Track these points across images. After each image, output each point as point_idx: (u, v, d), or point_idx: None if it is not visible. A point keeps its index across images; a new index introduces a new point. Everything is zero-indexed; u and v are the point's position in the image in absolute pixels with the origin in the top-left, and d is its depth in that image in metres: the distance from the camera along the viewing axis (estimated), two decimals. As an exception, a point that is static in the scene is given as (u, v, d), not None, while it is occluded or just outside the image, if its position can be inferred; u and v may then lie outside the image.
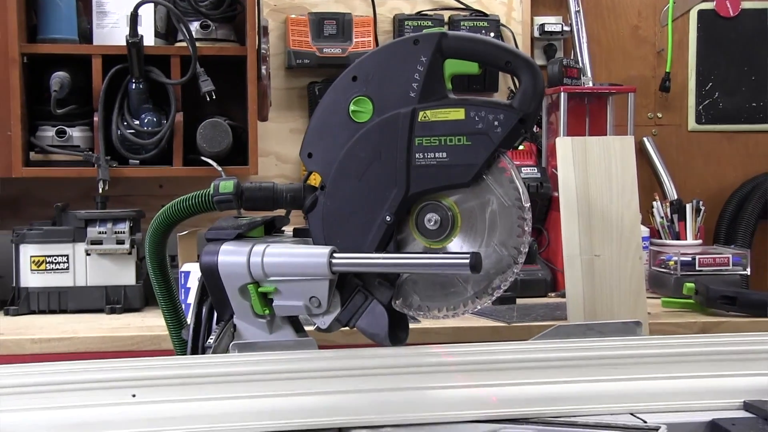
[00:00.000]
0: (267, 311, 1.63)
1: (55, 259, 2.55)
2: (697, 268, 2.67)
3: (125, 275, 2.58)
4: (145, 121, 2.76)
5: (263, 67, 2.84)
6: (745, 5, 3.34)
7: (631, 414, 1.49)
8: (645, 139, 3.27)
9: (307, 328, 1.71)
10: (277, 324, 1.66)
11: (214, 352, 1.64)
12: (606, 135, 2.92)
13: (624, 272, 2.03)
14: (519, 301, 2.57)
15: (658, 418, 1.46)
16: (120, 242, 2.54)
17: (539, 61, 3.17)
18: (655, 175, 3.23)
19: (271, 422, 1.42)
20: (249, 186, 1.74)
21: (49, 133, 2.75)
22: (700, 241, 2.93)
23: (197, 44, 2.71)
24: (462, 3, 3.21)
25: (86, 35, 2.82)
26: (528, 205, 1.59)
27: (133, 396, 1.45)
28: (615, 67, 3.30)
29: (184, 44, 2.73)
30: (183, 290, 2.36)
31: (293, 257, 1.61)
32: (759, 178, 3.29)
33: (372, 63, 1.64)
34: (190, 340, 1.73)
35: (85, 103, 2.76)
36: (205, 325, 1.71)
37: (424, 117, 1.59)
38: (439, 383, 1.51)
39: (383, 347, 1.64)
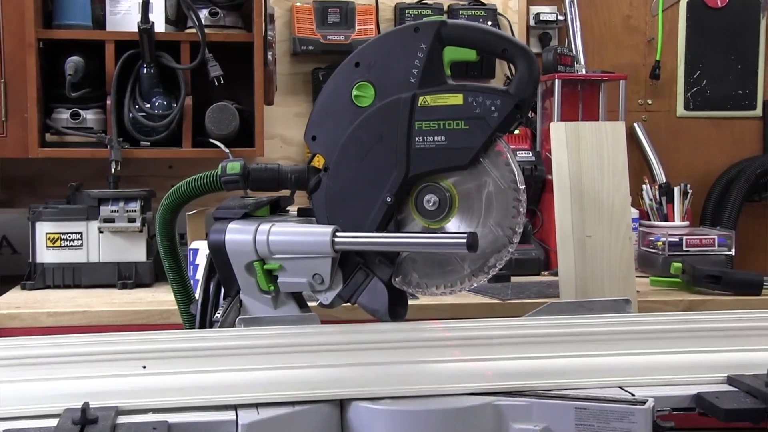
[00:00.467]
0: (272, 287, 1.63)
1: (70, 237, 2.55)
2: (684, 249, 2.67)
3: (136, 252, 2.58)
4: (156, 104, 2.75)
5: (269, 53, 2.83)
6: (733, -4, 3.34)
7: (620, 387, 1.49)
8: (635, 124, 3.26)
9: (310, 303, 1.71)
10: (281, 300, 1.66)
11: (221, 327, 1.64)
12: (598, 120, 2.91)
13: (614, 252, 2.03)
14: (513, 279, 2.58)
15: (645, 391, 1.46)
16: (131, 220, 2.54)
17: (534, 49, 3.16)
18: (644, 159, 3.23)
19: (275, 393, 1.42)
20: (255, 167, 1.73)
21: (63, 115, 2.74)
22: (687, 223, 2.93)
23: (206, 31, 2.70)
24: (461, -8, 3.20)
25: (100, 21, 2.81)
26: (523, 187, 1.59)
27: (144, 367, 1.45)
28: (607, 55, 3.29)
29: (193, 31, 2.73)
30: (191, 267, 2.36)
31: (297, 236, 1.61)
32: (744, 163, 3.29)
33: (374, 50, 1.64)
34: (198, 314, 1.73)
35: (99, 86, 2.76)
36: (213, 301, 1.71)
37: (424, 102, 1.58)
38: (437, 357, 1.51)
39: (383, 323, 1.65)
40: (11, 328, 2.18)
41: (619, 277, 2.03)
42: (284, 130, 3.13)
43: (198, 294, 1.77)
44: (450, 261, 1.63)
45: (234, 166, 1.72)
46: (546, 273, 2.77)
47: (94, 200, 2.56)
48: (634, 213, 2.79)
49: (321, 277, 1.60)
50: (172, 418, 1.36)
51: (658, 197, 2.95)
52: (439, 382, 1.47)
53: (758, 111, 3.35)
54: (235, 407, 1.40)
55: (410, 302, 1.73)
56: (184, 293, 1.89)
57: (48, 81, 2.76)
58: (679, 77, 3.34)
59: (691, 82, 3.34)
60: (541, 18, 3.24)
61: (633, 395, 1.45)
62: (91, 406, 1.31)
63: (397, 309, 1.67)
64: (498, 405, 1.43)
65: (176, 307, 1.91)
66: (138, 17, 2.66)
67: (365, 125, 1.62)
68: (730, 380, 1.52)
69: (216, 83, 2.72)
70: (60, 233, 2.55)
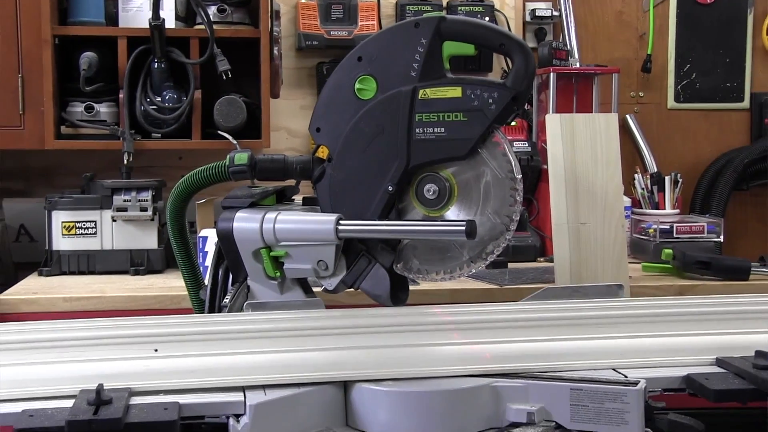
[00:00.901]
0: (278, 274, 1.63)
1: (84, 225, 2.55)
2: (674, 236, 2.67)
3: (148, 240, 2.58)
4: (167, 97, 2.75)
5: (275, 48, 2.83)
6: (721, -7, 3.33)
7: (613, 369, 1.49)
8: (628, 116, 3.26)
9: (315, 289, 1.71)
10: (287, 285, 1.66)
11: (229, 311, 1.64)
12: (592, 112, 2.90)
13: (607, 239, 2.03)
14: (510, 265, 2.57)
15: (638, 372, 1.46)
16: (143, 209, 2.54)
17: (530, 43, 3.14)
18: (636, 150, 3.22)
19: (281, 375, 1.42)
20: (262, 158, 1.73)
21: (78, 108, 2.74)
22: (677, 211, 2.92)
23: (214, 27, 2.69)
24: (459, -11, 3.19)
25: (112, 18, 2.80)
26: (519, 176, 1.59)
27: (156, 350, 1.46)
28: (600, 49, 3.28)
29: (202, 27, 2.72)
30: (201, 254, 2.36)
31: (302, 224, 1.60)
32: (732, 153, 3.28)
33: (376, 44, 1.63)
34: (207, 299, 1.73)
35: (112, 81, 2.75)
36: (222, 286, 1.71)
37: (424, 95, 1.58)
38: (437, 340, 1.51)
39: (385, 307, 1.65)
40: (29, 313, 2.19)
41: (612, 263, 2.03)
42: (290, 123, 3.13)
43: (207, 280, 1.76)
44: (449, 248, 1.62)
45: (241, 157, 1.72)
46: (542, 259, 2.77)
47: (107, 190, 2.56)
48: (627, 201, 2.78)
49: (325, 263, 1.60)
50: (183, 399, 1.36)
51: (649, 186, 2.95)
52: (439, 365, 1.47)
53: (746, 103, 3.35)
54: (243, 388, 1.40)
55: (411, 288, 1.73)
56: (194, 279, 1.89)
57: (63, 76, 2.76)
58: (670, 71, 3.33)
59: (681, 75, 3.33)
60: (536, 14, 3.22)
61: (626, 377, 1.45)
62: (105, 388, 1.31)
63: (398, 294, 1.67)
64: (496, 386, 1.43)
65: (186, 293, 1.91)
66: (149, 14, 2.66)
67: (367, 117, 1.61)
68: (719, 362, 1.52)
69: (224, 77, 2.71)
70: (75, 222, 2.55)
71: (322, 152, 1.66)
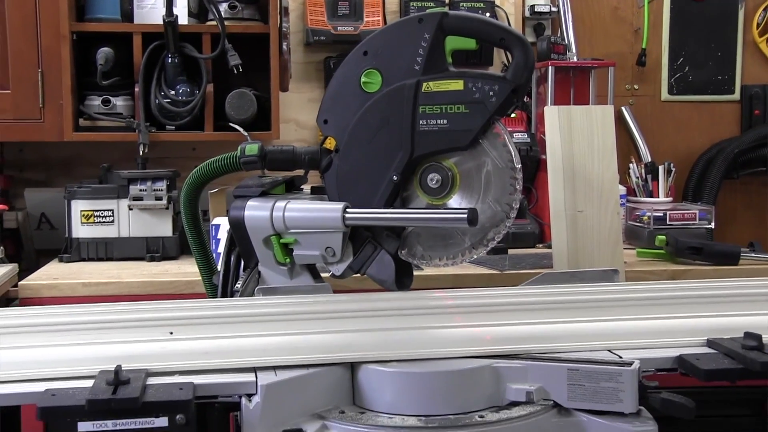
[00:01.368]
0: (288, 260, 1.63)
1: (102, 213, 2.56)
2: (667, 223, 2.67)
3: (163, 227, 2.58)
4: (180, 91, 2.75)
5: (284, 44, 2.83)
6: (714, -11, 3.32)
7: (609, 350, 1.49)
8: (623, 108, 3.25)
9: (323, 274, 1.71)
10: (296, 271, 1.66)
11: (241, 296, 1.65)
12: (588, 104, 2.90)
13: (603, 226, 2.03)
14: (510, 251, 2.57)
15: (632, 353, 1.46)
16: (158, 198, 2.55)
17: (529, 38, 3.14)
18: (631, 140, 3.21)
19: (292, 357, 1.43)
20: (272, 149, 1.73)
21: (95, 102, 2.74)
22: (670, 199, 2.92)
23: (226, 23, 2.69)
24: (461, -14, 3.18)
25: (128, 15, 2.80)
26: (519, 166, 1.59)
27: (171, 333, 1.46)
28: (597, 43, 3.27)
29: (214, 23, 2.71)
30: (214, 241, 2.36)
31: (311, 212, 1.61)
32: (723, 143, 3.27)
33: (381, 39, 1.63)
34: (220, 284, 1.73)
35: (127, 75, 2.75)
36: (234, 272, 1.72)
37: (427, 88, 1.58)
38: (440, 323, 1.51)
39: (390, 292, 1.65)
40: (50, 297, 2.19)
41: (608, 249, 2.02)
42: (298, 115, 3.13)
43: (220, 266, 1.77)
44: (452, 235, 1.63)
45: (252, 148, 1.72)
46: (540, 245, 2.77)
47: (124, 180, 2.56)
48: (622, 190, 2.77)
49: (333, 250, 1.60)
50: (197, 379, 1.36)
51: (643, 175, 2.95)
52: (442, 346, 1.47)
53: (736, 95, 3.34)
54: (254, 369, 1.40)
55: (415, 273, 1.73)
56: (207, 265, 1.89)
57: (81, 70, 2.76)
58: (664, 64, 3.32)
59: (674, 68, 3.32)
60: (535, 9, 3.21)
61: (620, 357, 1.45)
62: (123, 369, 1.32)
63: (403, 279, 1.67)
64: (496, 367, 1.43)
65: (200, 278, 1.91)
66: (163, 11, 2.65)
67: (373, 110, 1.61)
68: (710, 343, 1.52)
69: (235, 71, 2.71)
70: (93, 210, 2.56)
71: (330, 143, 1.66)
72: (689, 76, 3.33)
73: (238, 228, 1.64)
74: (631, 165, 2.97)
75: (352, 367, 1.44)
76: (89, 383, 1.32)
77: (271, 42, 2.76)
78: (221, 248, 1.92)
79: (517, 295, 1.60)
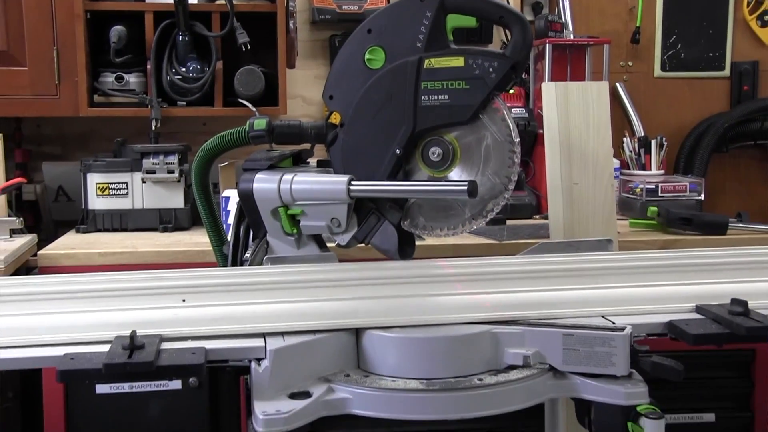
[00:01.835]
0: (295, 230, 1.63)
1: (117, 186, 2.56)
2: (659, 194, 2.66)
3: (175, 199, 2.58)
4: (191, 68, 2.74)
5: (291, 22, 2.81)
6: (706, -32, 3.29)
7: (602, 316, 1.49)
8: (617, 84, 3.23)
9: (329, 244, 1.71)
10: (303, 241, 1.66)
11: (250, 265, 1.65)
12: (584, 81, 2.88)
13: (598, 198, 2.02)
14: (509, 222, 2.57)
15: (624, 319, 1.47)
16: (170, 172, 2.54)
17: (528, 16, 3.11)
18: (625, 115, 3.20)
19: (299, 323, 1.43)
20: (279, 124, 1.73)
21: (109, 78, 2.73)
22: (662, 171, 2.91)
23: (234, 2, 2.67)
24: (461, -34, 3.15)
25: (140, -6, 2.79)
26: (517, 140, 1.58)
27: (184, 300, 1.46)
28: (592, 22, 3.24)
29: (223, 2, 2.70)
30: (224, 212, 2.37)
31: (317, 184, 1.60)
32: (713, 118, 3.26)
33: (384, 17, 1.62)
34: (230, 254, 1.74)
35: (140, 53, 2.74)
36: (243, 242, 1.72)
37: (429, 64, 1.57)
38: (441, 291, 1.52)
39: (393, 261, 1.65)
40: (68, 266, 2.20)
41: (602, 219, 2.02)
42: (305, 91, 3.12)
43: (230, 236, 1.77)
44: (452, 206, 1.62)
45: (260, 123, 1.71)
46: (537, 216, 2.76)
47: (137, 154, 2.56)
48: (616, 163, 2.77)
49: (338, 220, 1.60)
50: (209, 344, 1.37)
51: (637, 149, 2.94)
52: (443, 313, 1.47)
53: (726, 72, 3.32)
54: (263, 335, 1.41)
55: (417, 243, 1.73)
56: (217, 235, 1.89)
57: (95, 48, 2.74)
58: (657, 42, 3.29)
59: (667, 45, 3.30)
60: (533, -12, 3.19)
61: (613, 323, 1.45)
62: (138, 334, 1.33)
63: (405, 249, 1.67)
64: (495, 332, 1.44)
65: (211, 248, 1.91)
66: (174, -10, 2.64)
67: (376, 86, 1.61)
68: (698, 309, 1.53)
69: (243, 49, 2.70)
70: (108, 183, 2.55)
71: (335, 118, 1.66)
72: (681, 53, 3.31)
73: (247, 200, 1.64)
74: (624, 139, 2.96)
75: (357, 332, 1.44)
76: (106, 348, 1.33)
77: (278, 20, 2.74)
78: (231, 219, 1.92)
79: (515, 264, 1.60)
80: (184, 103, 2.75)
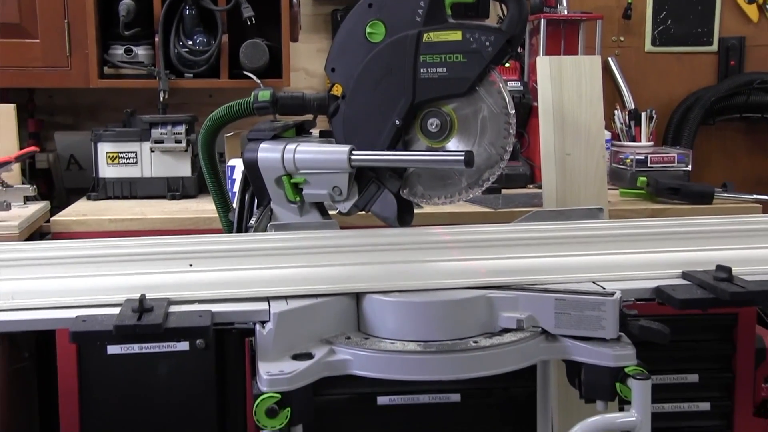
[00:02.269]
0: (298, 198, 1.63)
1: (126, 155, 2.55)
2: (648, 165, 2.65)
3: (182, 168, 2.57)
4: (197, 41, 2.72)
5: (294, -3, 2.79)
6: (696, -55, 3.25)
7: (593, 282, 1.50)
8: (609, 58, 3.21)
9: (330, 212, 1.71)
10: (306, 208, 1.65)
11: (255, 231, 1.64)
12: (578, 55, 2.86)
13: (589, 168, 2.02)
14: (504, 191, 2.56)
15: (614, 285, 1.47)
16: (178, 141, 2.53)
17: (523, -8, 3.08)
18: (616, 89, 3.18)
19: (302, 287, 1.43)
20: (283, 95, 1.72)
21: (118, 51, 2.71)
22: (651, 143, 2.90)
23: (239, -23, 2.65)
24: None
25: (148, -32, 2.75)
26: (513, 112, 1.58)
27: (191, 265, 1.46)
28: (586, -3, 3.22)
29: (228, -23, 2.67)
30: (229, 181, 2.36)
31: (319, 154, 1.60)
32: (700, 92, 3.24)
33: (385, -8, 1.60)
34: (235, 221, 1.73)
35: (148, 26, 2.71)
36: (248, 209, 1.71)
37: (428, 38, 1.56)
38: (438, 257, 1.52)
39: (393, 228, 1.65)
40: (80, 232, 2.19)
41: (593, 189, 2.02)
42: (307, 64, 3.10)
43: (235, 204, 1.76)
44: (450, 175, 1.62)
45: (264, 95, 1.70)
46: (531, 186, 2.75)
47: (146, 124, 2.54)
48: (607, 134, 2.75)
49: (339, 189, 1.59)
50: (216, 307, 1.37)
51: (627, 121, 2.92)
52: (440, 278, 1.47)
53: (714, 47, 3.29)
54: (267, 299, 1.41)
55: (415, 211, 1.72)
56: (223, 203, 1.89)
57: (104, 21, 2.72)
58: (648, 17, 3.26)
59: (657, 21, 3.27)
60: (529, -35, 3.16)
61: (603, 288, 1.45)
62: (147, 298, 1.33)
63: (404, 216, 1.67)
64: (490, 297, 1.44)
65: (217, 215, 1.91)
66: (181, -35, 2.61)
67: (377, 58, 1.59)
68: (685, 275, 1.53)
69: (248, 23, 2.67)
70: (118, 152, 2.55)
71: (337, 90, 1.64)
72: (671, 28, 3.28)
73: (251, 169, 1.63)
74: (615, 111, 2.94)
75: (357, 296, 1.45)
76: (116, 310, 1.33)
77: (282, -5, 2.72)
78: (236, 187, 1.92)
79: (510, 232, 1.60)
80: (191, 75, 2.73)
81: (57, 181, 2.89)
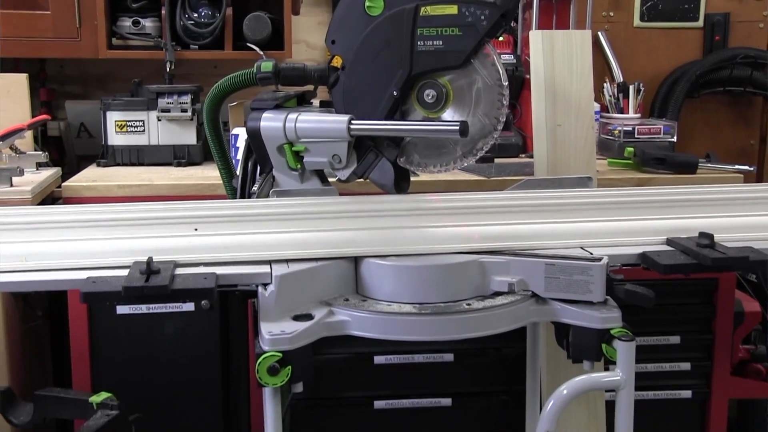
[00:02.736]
0: (299, 165, 1.62)
1: (134, 124, 2.53)
2: (635, 136, 2.64)
3: (188, 136, 2.56)
4: (203, 14, 2.69)
5: (296, -29, 2.75)
6: (685, -77, 3.21)
7: (581, 248, 1.49)
8: (599, 33, 3.18)
9: (330, 179, 1.70)
10: (306, 176, 1.65)
11: (257, 197, 1.64)
12: (569, 29, 2.83)
13: (579, 138, 2.01)
14: (496, 160, 2.54)
15: (602, 250, 1.47)
16: (184, 110, 2.52)
17: (517, -32, 3.05)
18: (606, 62, 3.15)
19: (302, 251, 1.43)
20: (284, 66, 1.70)
21: (126, 23, 2.68)
22: (639, 115, 2.88)
23: (243, -49, 2.62)
24: None
25: (155, -58, 2.72)
26: (506, 84, 1.57)
27: (196, 230, 1.46)
28: (577, -26, 3.18)
29: (232, -49, 2.64)
30: (233, 149, 2.35)
31: (319, 123, 1.59)
32: (686, 66, 3.22)
33: (384, -34, 1.58)
34: (239, 187, 1.73)
35: (155, -1, 2.69)
36: (251, 176, 1.71)
37: (425, 12, 1.54)
38: (434, 223, 1.51)
39: (390, 195, 1.64)
40: (89, 197, 2.18)
41: (582, 158, 2.01)
42: (308, 36, 3.07)
43: (239, 171, 1.76)
44: (445, 144, 1.61)
45: (267, 66, 1.69)
46: (523, 155, 2.74)
47: (153, 94, 2.53)
48: (596, 107, 2.73)
49: (339, 157, 1.59)
50: (220, 270, 1.37)
51: (616, 94, 2.90)
52: (435, 243, 1.47)
53: (700, 22, 3.27)
54: (269, 262, 1.41)
55: (412, 178, 1.72)
56: (227, 170, 1.88)
57: (113, -6, 2.70)
58: (637, -7, 3.24)
59: (646, -3, 3.25)
60: (523, -59, 3.11)
61: (591, 254, 1.45)
62: (154, 260, 1.32)
63: (401, 183, 1.66)
64: (483, 262, 1.44)
65: (221, 182, 1.90)
66: (186, -61, 2.58)
67: (376, 31, 1.58)
68: (669, 242, 1.53)
69: (252, -4, 2.65)
70: (126, 121, 2.53)
71: (337, 62, 1.63)
72: (659, 4, 3.25)
73: (254, 137, 1.63)
74: (605, 84, 2.92)
75: (356, 260, 1.44)
76: (125, 272, 1.33)
77: (284, -31, 2.69)
78: (240, 155, 1.91)
79: (502, 199, 1.59)
80: (197, 46, 2.71)
81: (68, 148, 2.88)
